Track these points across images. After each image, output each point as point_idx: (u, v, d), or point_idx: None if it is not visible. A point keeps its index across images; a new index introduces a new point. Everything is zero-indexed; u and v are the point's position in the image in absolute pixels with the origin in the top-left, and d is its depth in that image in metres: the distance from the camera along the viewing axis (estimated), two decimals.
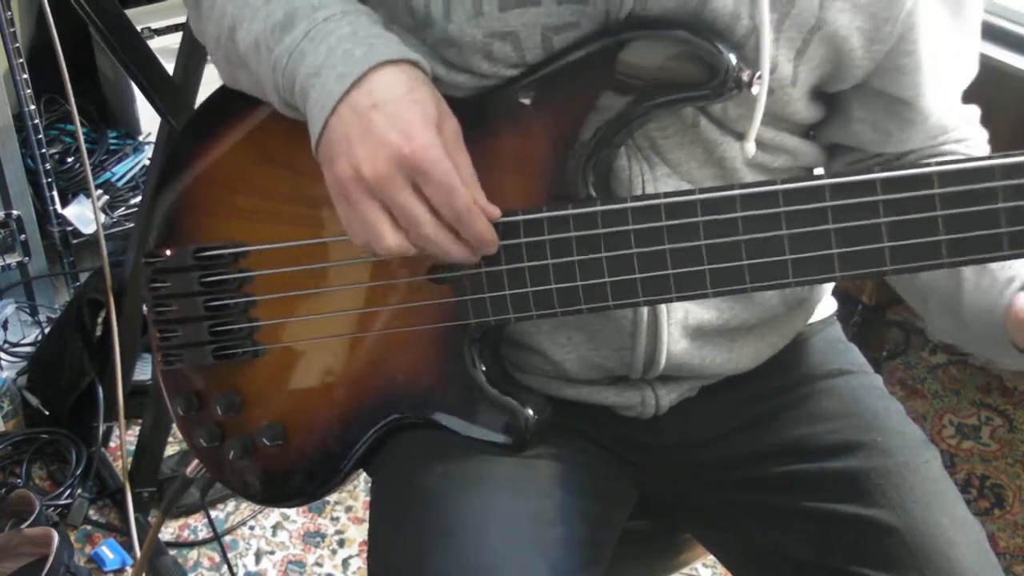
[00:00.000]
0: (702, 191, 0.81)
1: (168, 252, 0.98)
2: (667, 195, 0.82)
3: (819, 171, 1.01)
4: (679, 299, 0.84)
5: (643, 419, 1.00)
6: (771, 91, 0.86)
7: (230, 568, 1.66)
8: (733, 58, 0.82)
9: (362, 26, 0.84)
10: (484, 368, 0.91)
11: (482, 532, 0.87)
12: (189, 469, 1.20)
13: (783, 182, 0.80)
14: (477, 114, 0.87)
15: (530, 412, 0.90)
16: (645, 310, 0.92)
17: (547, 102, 0.86)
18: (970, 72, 0.96)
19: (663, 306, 0.92)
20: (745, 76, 0.82)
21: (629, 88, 0.84)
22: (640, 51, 0.83)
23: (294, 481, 0.99)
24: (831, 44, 0.87)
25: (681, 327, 0.93)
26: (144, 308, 1.00)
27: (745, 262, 0.81)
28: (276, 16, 0.86)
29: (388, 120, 0.79)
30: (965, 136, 0.97)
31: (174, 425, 1.93)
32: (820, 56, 0.88)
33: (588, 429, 1.01)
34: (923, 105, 0.92)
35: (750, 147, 0.87)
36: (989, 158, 0.76)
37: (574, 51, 0.85)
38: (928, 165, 0.77)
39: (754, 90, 0.84)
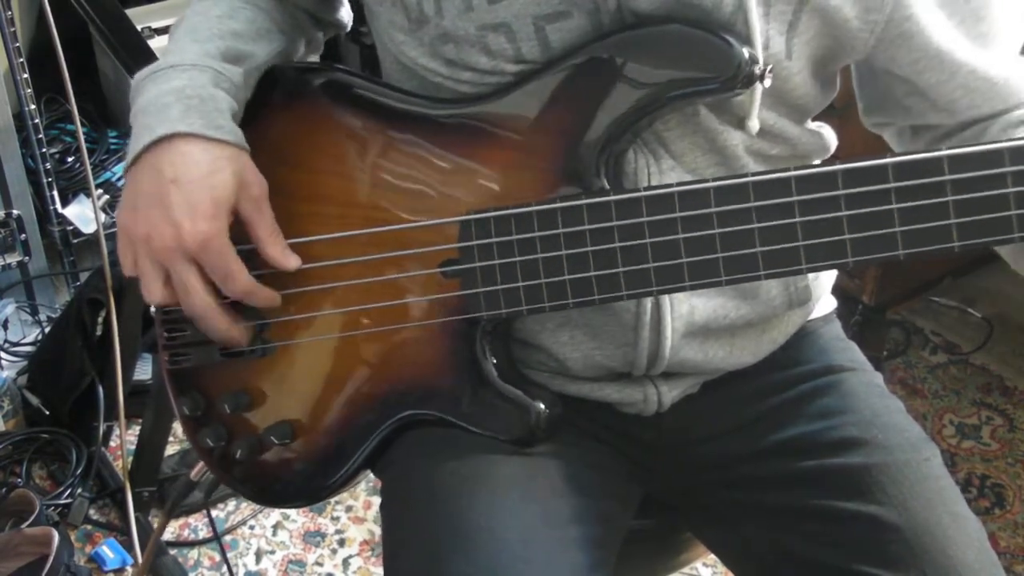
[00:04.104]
0: (715, 179, 0.82)
1: None
2: (680, 184, 0.83)
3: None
4: (692, 288, 0.84)
5: (645, 416, 1.00)
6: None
7: (229, 569, 1.66)
8: (746, 52, 0.82)
9: (196, 84, 0.90)
10: (495, 362, 0.91)
11: (498, 534, 0.87)
12: (194, 472, 1.19)
13: (795, 169, 0.80)
14: (492, 110, 0.89)
15: (541, 406, 0.90)
16: (648, 306, 0.92)
17: (561, 98, 0.87)
18: (1011, 28, 0.93)
19: (666, 302, 0.92)
20: (757, 69, 0.83)
21: (643, 85, 0.84)
22: (652, 47, 0.84)
23: (300, 481, 0.99)
24: (823, 16, 0.87)
25: (684, 323, 0.94)
26: (151, 307, 1.00)
27: (758, 249, 0.81)
28: (169, 45, 0.96)
29: (182, 200, 0.87)
30: None
31: (174, 425, 1.94)
32: (815, 28, 0.88)
33: (591, 426, 1.01)
34: (958, 60, 0.90)
35: (753, 124, 0.88)
36: (998, 143, 0.77)
37: (586, 48, 0.86)
38: (939, 150, 0.77)
39: (766, 83, 0.84)
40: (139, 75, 0.94)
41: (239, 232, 0.91)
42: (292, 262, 0.92)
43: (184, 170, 0.87)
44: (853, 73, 1.02)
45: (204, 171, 0.88)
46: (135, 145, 0.90)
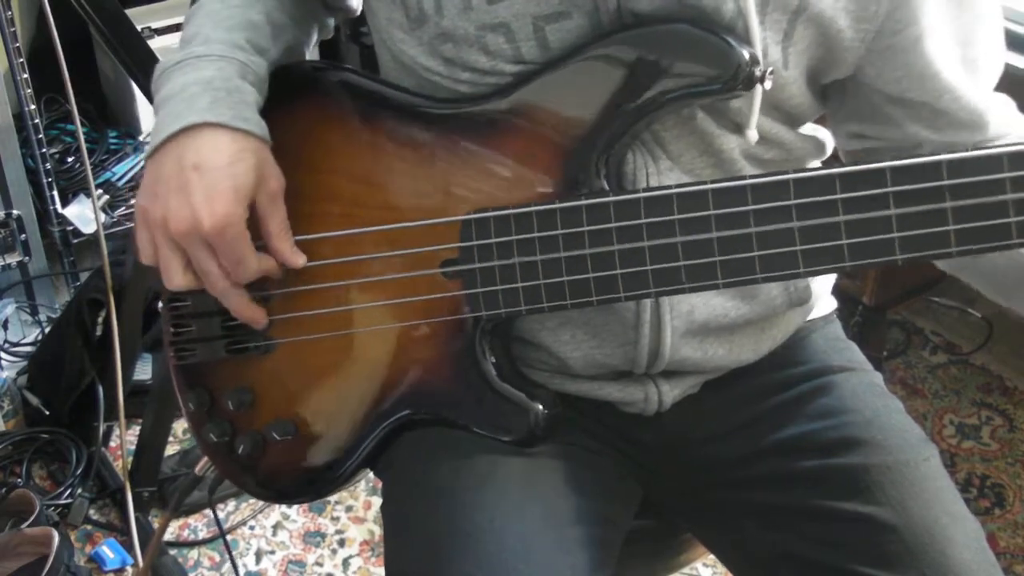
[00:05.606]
0: (713, 182, 0.82)
1: None
2: (679, 186, 0.83)
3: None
4: (690, 290, 0.84)
5: (645, 415, 1.00)
6: None
7: (234, 566, 1.66)
8: (747, 52, 0.82)
9: (224, 76, 0.90)
10: (494, 361, 0.91)
11: (500, 533, 0.87)
12: (198, 467, 1.20)
13: (794, 172, 0.80)
14: (494, 110, 0.89)
15: (540, 407, 0.90)
16: (649, 305, 0.92)
17: (562, 99, 0.87)
18: (994, 59, 0.94)
19: (667, 301, 0.92)
20: (758, 71, 0.83)
21: (643, 85, 0.84)
22: (652, 47, 0.84)
23: (302, 477, 0.99)
24: (818, 26, 0.87)
25: (684, 322, 0.94)
26: (159, 304, 1.01)
27: (756, 253, 0.81)
28: (188, 32, 0.96)
29: (203, 186, 0.87)
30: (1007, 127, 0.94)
31: (174, 425, 1.94)
32: (809, 38, 0.88)
33: (591, 426, 1.01)
34: (943, 83, 0.91)
35: (752, 134, 0.88)
36: (996, 147, 0.77)
37: (586, 48, 0.86)
38: (938, 154, 0.77)
39: (767, 85, 0.84)
40: (164, 63, 0.93)
41: (249, 229, 0.91)
42: (299, 260, 0.93)
43: (207, 157, 0.87)
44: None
45: (227, 159, 0.88)
46: (160, 133, 0.89)
